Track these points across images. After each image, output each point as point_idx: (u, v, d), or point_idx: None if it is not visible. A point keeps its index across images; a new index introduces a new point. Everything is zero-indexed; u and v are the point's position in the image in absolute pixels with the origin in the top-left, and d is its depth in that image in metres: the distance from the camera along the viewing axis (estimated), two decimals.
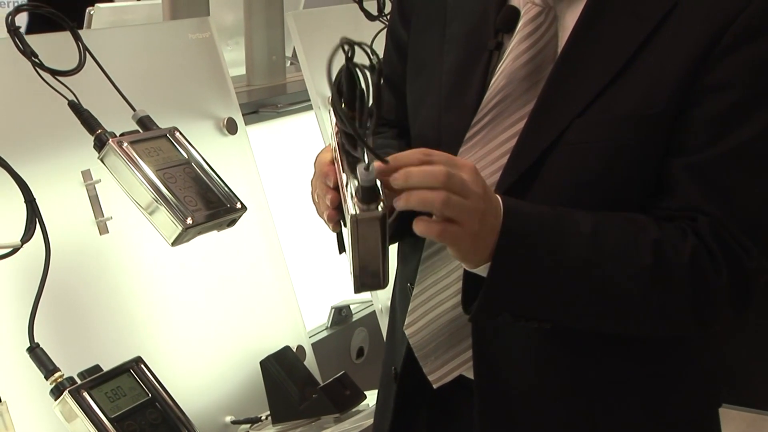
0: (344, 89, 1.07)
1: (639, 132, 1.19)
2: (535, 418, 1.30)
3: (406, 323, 1.33)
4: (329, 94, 1.09)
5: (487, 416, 1.31)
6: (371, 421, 1.63)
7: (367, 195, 1.06)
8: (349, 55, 1.05)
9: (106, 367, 1.42)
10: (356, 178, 1.06)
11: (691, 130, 1.19)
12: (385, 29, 1.63)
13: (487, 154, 1.25)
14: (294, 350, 1.87)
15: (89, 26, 2.63)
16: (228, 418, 1.79)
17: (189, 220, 1.37)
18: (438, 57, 1.34)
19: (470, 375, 1.31)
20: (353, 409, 1.70)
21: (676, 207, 1.20)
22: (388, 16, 1.90)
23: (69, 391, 1.33)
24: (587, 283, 1.18)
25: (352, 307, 2.53)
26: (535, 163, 1.21)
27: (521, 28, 1.25)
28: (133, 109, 1.49)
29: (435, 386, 1.34)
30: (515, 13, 1.26)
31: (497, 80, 1.25)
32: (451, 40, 1.33)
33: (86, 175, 1.62)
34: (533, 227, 1.16)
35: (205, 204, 1.41)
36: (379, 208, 1.06)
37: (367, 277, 1.09)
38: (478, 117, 1.26)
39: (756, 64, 1.17)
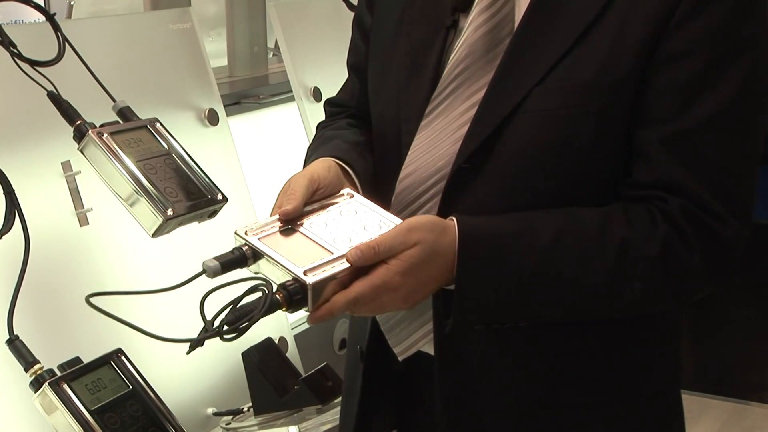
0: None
1: (599, 99, 1.20)
2: (495, 389, 1.30)
3: None
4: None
5: (447, 388, 1.32)
6: None
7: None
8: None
9: (86, 359, 1.41)
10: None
11: (658, 99, 1.20)
12: None
13: (447, 124, 1.27)
14: (276, 342, 1.87)
15: (69, 16, 2.62)
16: (210, 410, 1.79)
17: (170, 212, 1.36)
18: (396, 38, 1.35)
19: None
20: (335, 401, 1.70)
21: (648, 183, 1.21)
22: None
23: (49, 384, 1.32)
24: (552, 292, 1.22)
25: None
26: (495, 130, 1.23)
27: (479, 1, 1.27)
28: (113, 100, 1.48)
29: (400, 359, 1.35)
30: None
31: (458, 52, 1.27)
32: (409, 21, 1.35)
33: (66, 166, 1.61)
34: (490, 251, 1.20)
35: (186, 195, 1.40)
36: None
37: None
38: (439, 89, 1.28)
39: (715, 28, 1.18)
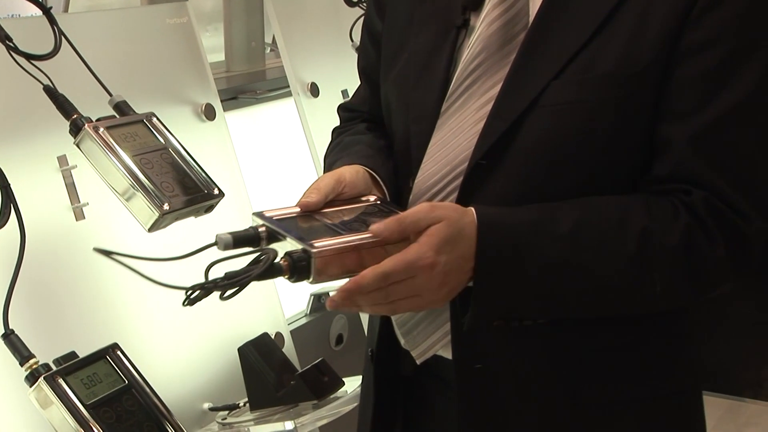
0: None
1: (618, 92, 1.19)
2: (515, 389, 1.28)
3: None
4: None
5: (466, 390, 1.30)
6: (349, 407, 1.63)
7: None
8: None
9: (82, 354, 1.41)
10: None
11: (680, 92, 1.18)
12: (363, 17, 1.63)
13: (463, 120, 1.26)
14: (272, 337, 1.87)
15: (66, 10, 2.61)
16: (206, 405, 1.79)
17: (166, 206, 1.36)
18: (407, 40, 1.35)
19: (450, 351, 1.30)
20: (331, 396, 1.70)
21: (670, 177, 1.20)
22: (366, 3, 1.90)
23: (44, 378, 1.32)
24: (572, 282, 1.19)
25: (331, 294, 2.52)
26: (513, 125, 1.21)
27: None
28: (110, 94, 1.48)
29: (419, 362, 1.34)
30: None
31: (472, 48, 1.26)
32: (419, 21, 1.34)
33: (62, 160, 1.61)
34: (509, 239, 1.18)
35: (183, 190, 1.40)
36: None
37: None
38: (454, 87, 1.27)
39: (737, 17, 1.17)
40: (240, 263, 1.16)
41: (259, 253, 1.15)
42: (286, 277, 1.14)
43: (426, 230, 1.14)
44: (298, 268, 1.14)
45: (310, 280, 1.15)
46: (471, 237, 1.16)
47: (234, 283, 1.13)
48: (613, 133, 1.20)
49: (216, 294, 1.15)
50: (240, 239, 1.19)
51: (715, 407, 3.34)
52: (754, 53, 1.18)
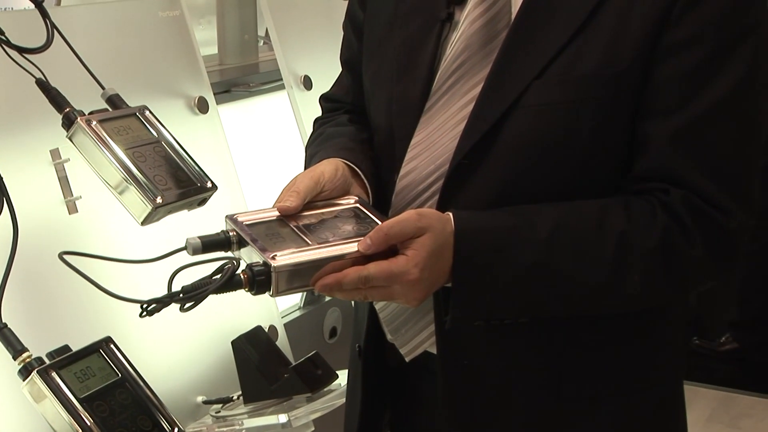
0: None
1: (601, 92, 1.19)
2: (498, 385, 1.29)
3: None
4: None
5: (450, 385, 1.31)
6: (342, 400, 1.63)
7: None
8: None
9: (75, 348, 1.41)
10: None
11: (661, 91, 1.18)
12: None
13: (446, 120, 1.26)
14: (266, 330, 1.87)
15: (59, 3, 2.61)
16: (199, 398, 1.79)
17: (159, 199, 1.35)
18: (390, 32, 1.34)
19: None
20: (325, 389, 1.70)
21: (650, 175, 1.20)
22: None
23: (37, 372, 1.32)
24: (549, 287, 1.20)
25: None
26: (494, 125, 1.21)
27: None
28: (102, 88, 1.48)
29: (408, 359, 1.34)
30: None
31: (455, 46, 1.26)
32: (402, 15, 1.34)
33: (55, 154, 1.61)
34: (485, 246, 1.18)
35: (176, 183, 1.40)
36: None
37: None
38: (437, 85, 1.27)
39: (717, 16, 1.17)
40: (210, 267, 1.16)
41: (222, 263, 1.15)
42: (246, 290, 1.14)
43: (414, 242, 1.15)
44: (257, 281, 1.14)
45: (271, 293, 1.15)
46: (450, 248, 1.17)
47: (191, 297, 1.13)
48: (595, 133, 1.20)
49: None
50: (210, 244, 1.18)
51: (709, 399, 3.35)
52: (734, 51, 1.18)
